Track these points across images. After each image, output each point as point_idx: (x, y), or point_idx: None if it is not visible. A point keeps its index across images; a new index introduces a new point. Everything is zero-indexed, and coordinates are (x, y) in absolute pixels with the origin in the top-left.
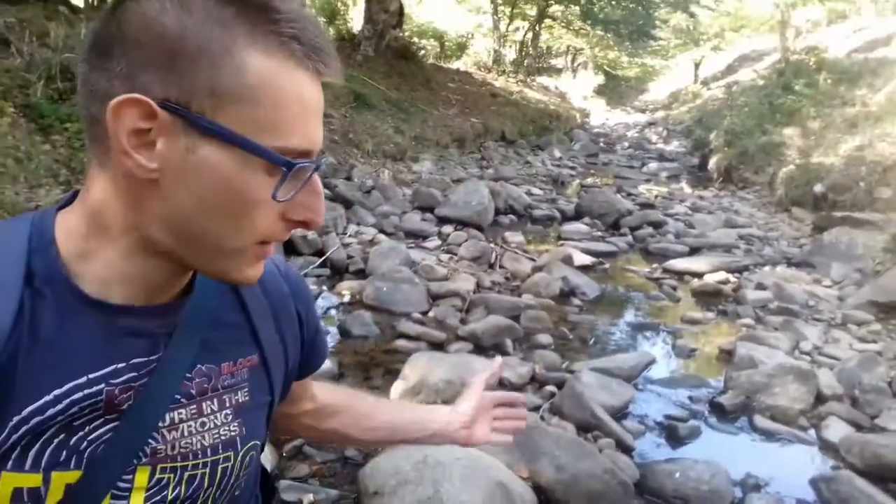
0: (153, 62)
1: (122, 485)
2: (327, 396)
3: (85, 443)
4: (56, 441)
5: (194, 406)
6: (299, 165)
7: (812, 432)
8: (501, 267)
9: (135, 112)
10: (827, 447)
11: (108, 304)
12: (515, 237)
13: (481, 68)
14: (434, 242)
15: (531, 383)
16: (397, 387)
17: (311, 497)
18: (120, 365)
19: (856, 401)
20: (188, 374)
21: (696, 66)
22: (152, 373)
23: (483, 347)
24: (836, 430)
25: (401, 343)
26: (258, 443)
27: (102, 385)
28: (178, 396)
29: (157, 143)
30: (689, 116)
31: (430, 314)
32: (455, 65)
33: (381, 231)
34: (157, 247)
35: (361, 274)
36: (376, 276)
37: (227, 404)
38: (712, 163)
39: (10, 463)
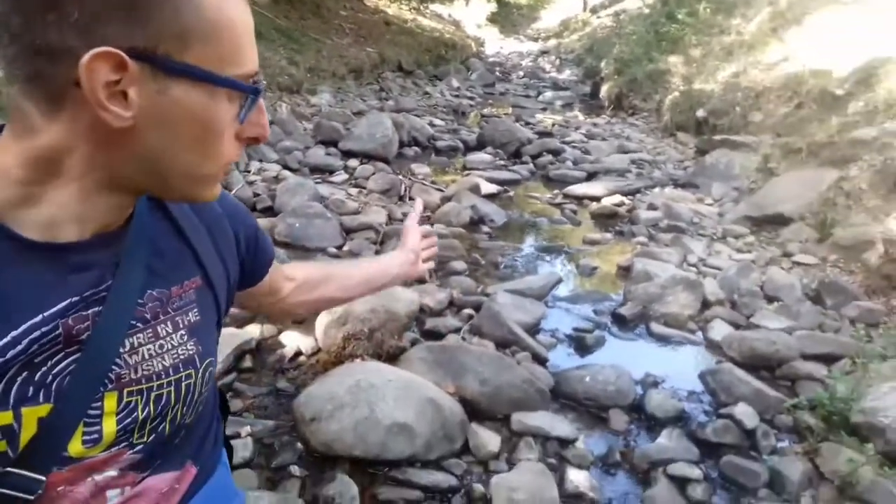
0: (113, 11)
1: (92, 412)
2: (305, 273)
3: (50, 377)
4: (20, 379)
5: (150, 330)
6: (260, 89)
7: (699, 334)
8: (411, 198)
9: (106, 65)
10: (712, 345)
11: (54, 244)
12: (422, 169)
13: None
14: (341, 177)
15: (450, 308)
16: (321, 319)
17: (248, 429)
18: (74, 298)
19: (735, 304)
20: (140, 300)
21: None
22: (105, 301)
23: None
24: (720, 330)
25: None
26: (213, 359)
27: (58, 320)
28: (134, 322)
29: (129, 92)
30: (580, 45)
31: (345, 248)
32: None
33: (286, 167)
34: (126, 183)
35: (270, 211)
36: (287, 213)
37: (181, 325)
38: (603, 91)
39: None
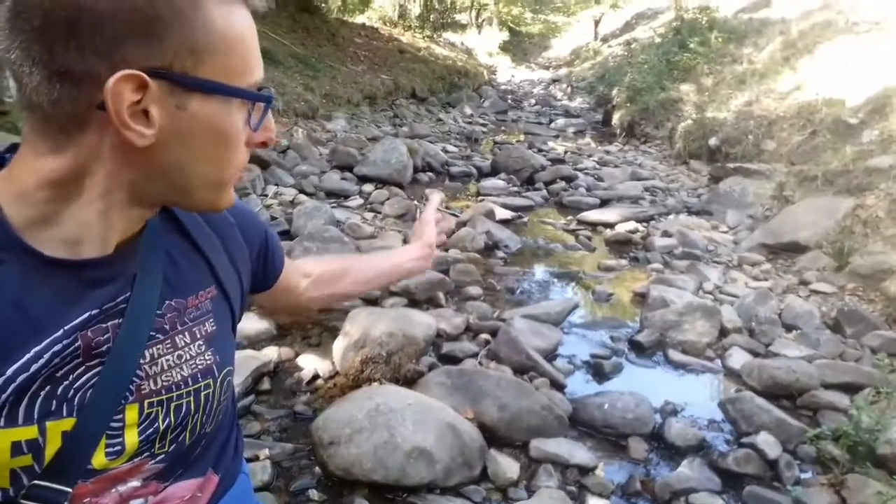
0: (130, 32)
1: (114, 424)
2: (321, 268)
3: (72, 391)
4: (43, 393)
5: (169, 341)
6: (271, 97)
7: (718, 361)
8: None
9: (129, 86)
10: (731, 373)
11: (73, 261)
12: (436, 195)
13: (387, 23)
14: (356, 201)
15: (466, 332)
16: (339, 343)
17: (266, 452)
18: (94, 311)
19: (753, 332)
20: (159, 311)
21: (597, 23)
22: (124, 313)
23: (417, 301)
24: (738, 358)
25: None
26: (231, 368)
27: (77, 333)
28: (154, 333)
29: (151, 111)
30: (592, 73)
31: None
32: (359, 20)
33: (302, 191)
34: (147, 198)
35: (286, 235)
36: (303, 237)
37: (199, 336)
38: (616, 118)
39: (2, 420)
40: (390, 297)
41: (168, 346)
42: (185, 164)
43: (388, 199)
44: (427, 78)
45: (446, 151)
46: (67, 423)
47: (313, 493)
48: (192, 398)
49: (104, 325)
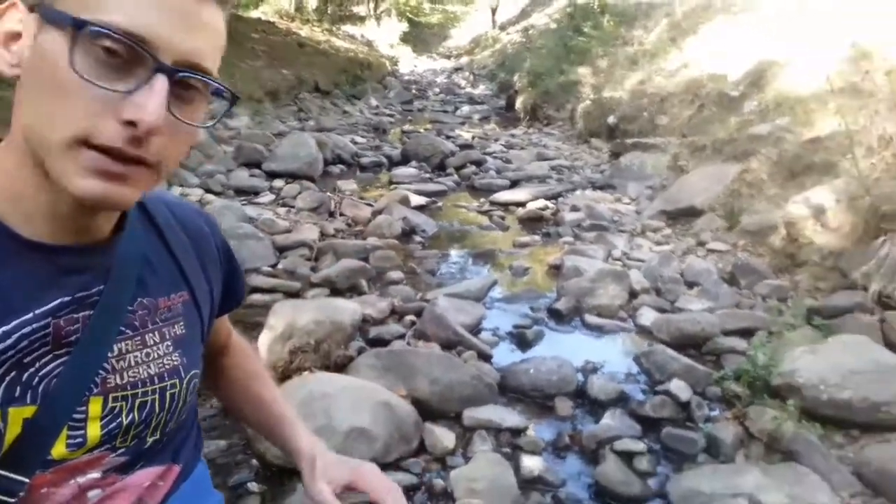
0: None
1: (77, 416)
2: (241, 361)
3: (37, 378)
4: (8, 379)
5: (139, 338)
6: (97, 30)
7: (630, 321)
8: (342, 214)
9: (13, 16)
10: (642, 331)
11: (46, 245)
12: (349, 185)
13: (283, 17)
14: (267, 197)
15: (392, 316)
16: (264, 337)
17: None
18: (65, 299)
19: (659, 291)
20: (130, 308)
21: (493, 11)
22: (96, 306)
23: (339, 290)
24: (648, 316)
25: (256, 297)
26: (198, 372)
27: (49, 319)
28: (124, 328)
29: (22, 38)
30: (492, 60)
31: (280, 266)
32: (254, 14)
33: (209, 191)
34: (36, 162)
35: None
36: None
37: (168, 336)
38: (518, 103)
39: None
40: (311, 288)
41: (137, 342)
42: (25, 105)
43: (300, 192)
44: (329, 71)
45: (355, 143)
46: (29, 411)
47: (253, 486)
48: (157, 396)
49: (76, 316)
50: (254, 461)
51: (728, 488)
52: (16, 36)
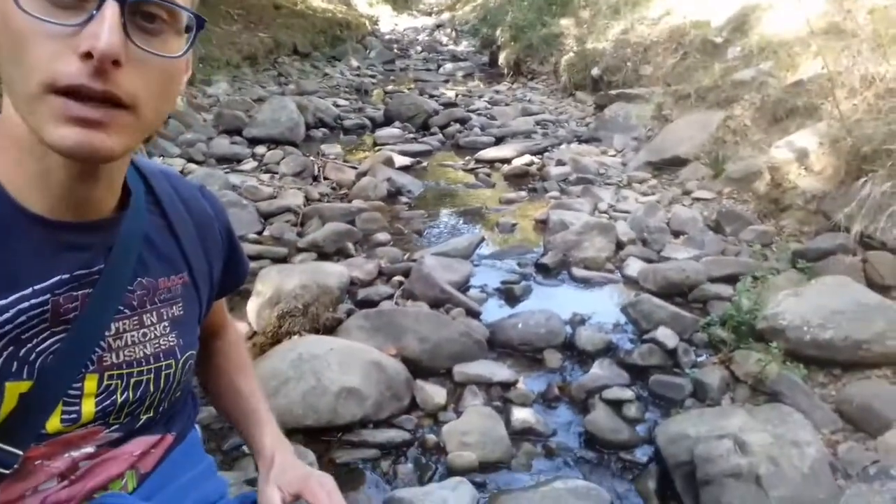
0: None
1: (72, 392)
2: (223, 347)
3: (34, 354)
4: (6, 353)
5: (136, 317)
6: None
7: (617, 272)
8: (326, 178)
9: None
10: (629, 281)
11: (49, 220)
12: (332, 149)
13: None
14: (250, 164)
15: (379, 277)
16: (252, 303)
17: None
18: (64, 276)
19: (645, 242)
20: (130, 287)
21: None
22: (95, 284)
23: (327, 254)
24: (634, 266)
25: None
26: (194, 353)
27: (48, 295)
28: (122, 307)
29: None
30: (474, 16)
31: (266, 233)
32: None
33: (190, 160)
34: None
35: None
36: None
37: (165, 317)
38: (501, 58)
39: None
40: (298, 253)
41: (135, 322)
42: (2, 70)
43: (283, 158)
44: (308, 33)
45: (337, 105)
46: (25, 386)
47: (247, 448)
48: (152, 376)
49: (75, 294)
50: None
51: (714, 430)
52: None
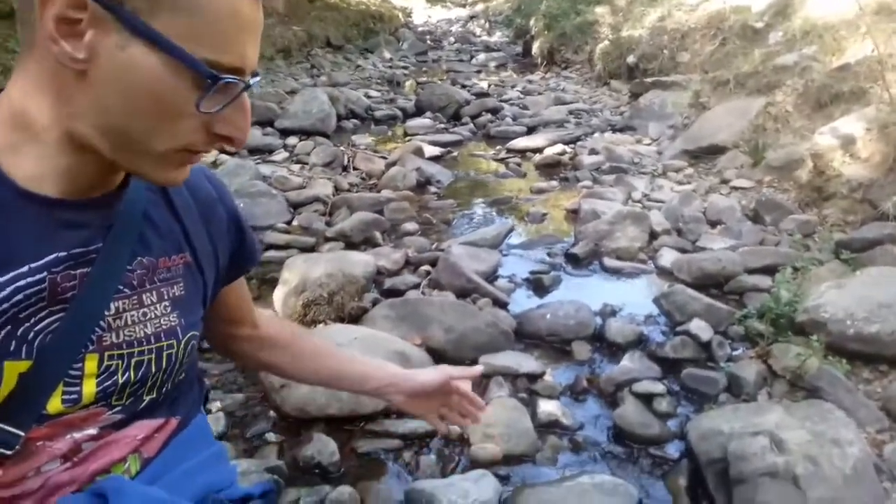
0: None
1: (73, 372)
2: (271, 328)
3: (32, 333)
4: (3, 332)
5: (136, 297)
6: (226, 80)
7: (650, 263)
8: (355, 168)
9: (65, 1)
10: (663, 272)
11: (44, 197)
12: (363, 139)
13: None
14: (281, 155)
15: (406, 267)
16: (279, 291)
17: (218, 404)
18: (61, 254)
19: (680, 231)
20: (129, 266)
21: None
22: (94, 263)
23: (354, 244)
24: (668, 257)
25: (271, 254)
26: (196, 333)
27: (45, 273)
28: (121, 287)
29: (87, 35)
30: (508, 6)
31: (294, 223)
32: None
33: (223, 151)
34: (84, 141)
35: None
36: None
37: (166, 297)
38: (535, 48)
39: None
40: (326, 242)
41: (134, 301)
42: (116, 112)
43: (313, 148)
44: (341, 25)
45: (369, 97)
46: (24, 365)
47: (271, 436)
48: (153, 356)
49: (73, 273)
50: (271, 413)
51: (748, 427)
52: (72, 22)
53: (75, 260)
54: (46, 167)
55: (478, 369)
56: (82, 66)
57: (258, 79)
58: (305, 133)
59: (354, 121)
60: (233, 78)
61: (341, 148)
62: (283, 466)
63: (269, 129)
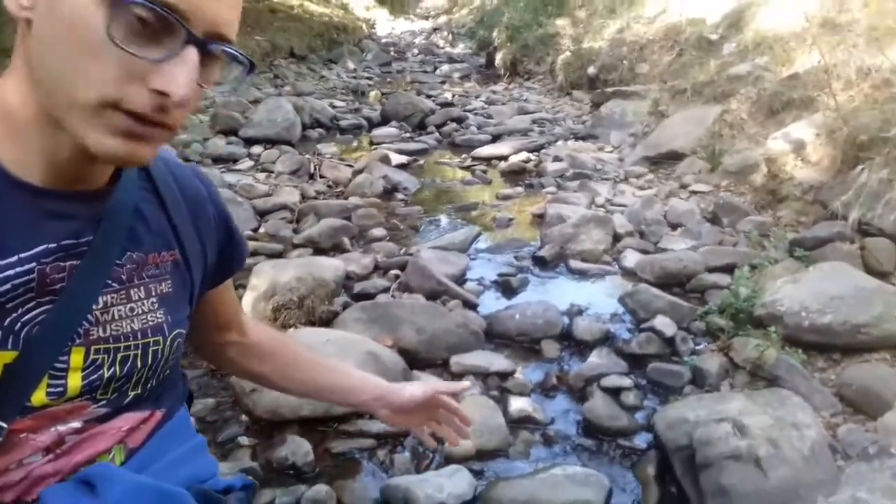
0: None
1: (58, 365)
2: (259, 336)
3: (19, 324)
4: None
5: (124, 292)
6: (138, 2)
7: (615, 264)
8: (322, 176)
9: None
10: (627, 273)
11: (34, 186)
12: (329, 148)
13: None
14: (246, 164)
15: (376, 271)
16: (247, 297)
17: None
18: (50, 245)
19: (643, 234)
20: (119, 261)
21: None
22: (84, 255)
23: (322, 249)
24: (632, 258)
25: None
26: (183, 331)
27: (34, 264)
28: (110, 281)
29: None
30: (471, 18)
31: (262, 230)
32: None
33: (186, 160)
34: (46, 111)
35: None
36: None
37: (153, 293)
38: (498, 59)
39: None
40: (294, 249)
41: (122, 296)
42: (46, 55)
43: (279, 157)
44: (305, 36)
45: (334, 106)
46: (10, 356)
47: (243, 440)
48: (139, 352)
49: (62, 264)
50: (243, 417)
51: (713, 414)
52: None
53: (65, 252)
54: (26, 150)
55: (464, 384)
56: (27, 14)
57: (227, 48)
58: (270, 142)
59: (320, 130)
60: (148, 3)
61: (307, 156)
62: (258, 468)
63: (232, 139)
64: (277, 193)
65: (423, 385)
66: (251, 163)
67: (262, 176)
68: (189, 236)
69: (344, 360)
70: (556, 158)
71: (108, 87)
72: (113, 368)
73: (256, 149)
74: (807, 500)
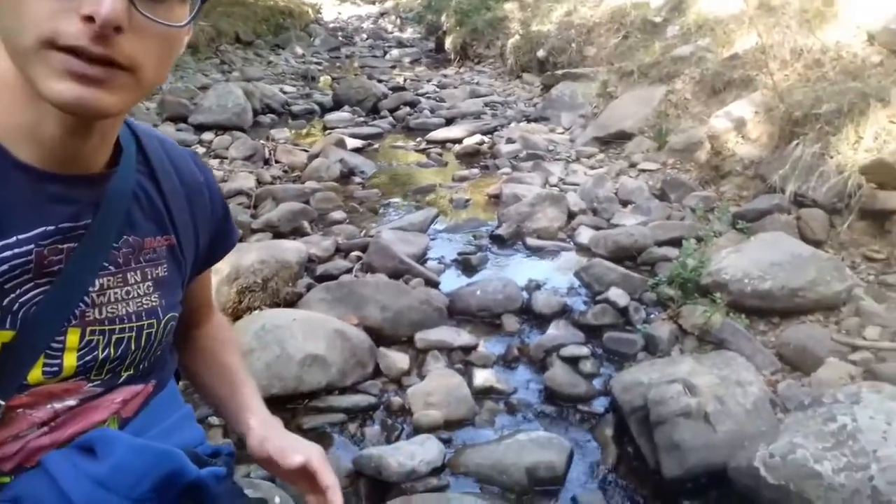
0: None
1: (54, 345)
2: (208, 331)
3: (17, 304)
4: None
5: (120, 275)
6: None
7: (570, 241)
8: (277, 161)
9: None
10: (581, 248)
11: (36, 170)
12: (282, 134)
13: None
14: (198, 150)
15: (337, 253)
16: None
17: None
18: (49, 227)
19: (595, 211)
20: (116, 244)
21: None
22: (82, 238)
23: (282, 233)
24: (586, 234)
25: None
26: (176, 315)
27: (32, 245)
28: (106, 264)
29: None
30: (419, 3)
31: None
32: None
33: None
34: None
35: None
36: None
37: (149, 277)
38: (448, 43)
39: None
40: (253, 234)
41: (119, 279)
42: (2, 18)
43: (231, 143)
44: (250, 21)
45: (284, 92)
46: (7, 335)
47: (213, 420)
48: (133, 334)
49: (60, 247)
50: None
51: (665, 376)
52: None
53: (63, 234)
54: (19, 127)
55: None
56: None
57: None
58: (221, 128)
59: (272, 115)
60: None
61: (261, 142)
62: (231, 445)
63: (182, 125)
64: (233, 179)
65: (306, 459)
66: (203, 149)
67: (215, 162)
68: (184, 222)
69: (311, 338)
70: (510, 140)
71: (41, 25)
72: (107, 350)
73: (208, 135)
74: (750, 449)
